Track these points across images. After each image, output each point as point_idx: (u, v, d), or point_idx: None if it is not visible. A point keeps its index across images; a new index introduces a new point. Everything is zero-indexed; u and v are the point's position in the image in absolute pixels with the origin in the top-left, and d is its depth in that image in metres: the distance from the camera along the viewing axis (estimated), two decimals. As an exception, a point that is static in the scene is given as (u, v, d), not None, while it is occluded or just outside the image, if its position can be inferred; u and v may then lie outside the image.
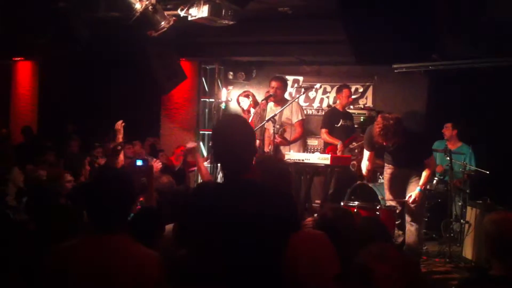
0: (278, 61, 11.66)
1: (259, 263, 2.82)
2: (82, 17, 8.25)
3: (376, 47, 6.24)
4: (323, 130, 9.11)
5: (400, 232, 7.31)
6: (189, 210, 3.12)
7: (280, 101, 8.44)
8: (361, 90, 10.95)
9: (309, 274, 3.25)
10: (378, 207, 7.20)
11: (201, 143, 12.04)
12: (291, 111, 8.41)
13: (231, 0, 7.75)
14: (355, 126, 9.57)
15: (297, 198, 7.65)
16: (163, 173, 7.29)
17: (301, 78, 11.40)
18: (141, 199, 6.00)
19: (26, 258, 3.88)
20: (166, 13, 7.92)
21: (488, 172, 8.55)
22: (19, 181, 5.61)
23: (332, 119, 9.17)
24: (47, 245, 3.28)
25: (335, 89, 10.15)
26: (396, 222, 7.25)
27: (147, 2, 7.57)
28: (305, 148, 9.61)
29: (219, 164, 10.58)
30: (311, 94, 11.27)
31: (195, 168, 9.78)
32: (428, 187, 7.93)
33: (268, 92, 8.96)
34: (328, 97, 11.21)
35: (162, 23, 7.81)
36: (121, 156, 6.60)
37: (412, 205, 7.05)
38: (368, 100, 10.92)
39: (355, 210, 6.98)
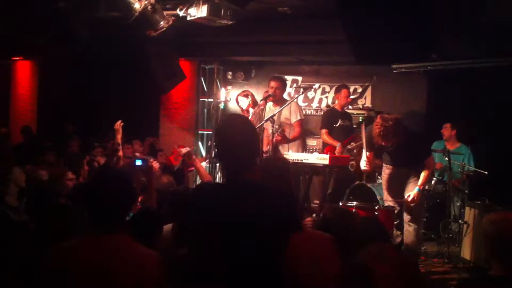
0: (277, 61, 11.66)
1: (259, 263, 2.82)
2: (82, 17, 8.24)
3: (375, 47, 6.24)
4: (323, 131, 9.10)
5: (399, 233, 7.31)
6: (189, 210, 3.12)
7: (279, 101, 8.43)
8: (360, 90, 10.96)
9: (309, 274, 3.26)
10: (376, 207, 7.21)
11: (199, 143, 12.05)
12: (290, 111, 8.41)
13: (231, 0, 7.75)
14: (354, 126, 9.57)
15: (296, 198, 7.65)
16: (162, 173, 7.30)
17: (300, 78, 11.41)
18: (141, 198, 6.01)
19: (26, 258, 3.87)
20: (165, 13, 7.91)
21: (486, 173, 8.55)
22: (21, 181, 5.61)
23: (331, 119, 9.16)
24: (47, 245, 3.28)
25: (333, 89, 10.15)
26: (395, 222, 7.26)
27: (146, 2, 7.56)
28: (304, 148, 9.61)
29: (217, 164, 10.71)
30: (310, 94, 11.27)
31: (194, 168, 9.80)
32: (426, 187, 7.94)
33: (267, 92, 8.96)
34: (327, 97, 11.21)
35: (161, 23, 7.81)
36: (121, 154, 6.60)
37: (411, 205, 7.06)
38: (367, 100, 10.92)
39: (354, 210, 6.99)
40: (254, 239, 2.81)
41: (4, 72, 13.74)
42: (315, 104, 11.34)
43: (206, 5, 7.61)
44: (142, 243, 3.11)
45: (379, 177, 8.42)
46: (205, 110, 12.20)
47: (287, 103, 8.24)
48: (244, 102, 9.64)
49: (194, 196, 3.26)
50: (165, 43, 9.69)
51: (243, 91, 10.02)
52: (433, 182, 8.55)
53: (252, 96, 9.68)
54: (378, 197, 8.06)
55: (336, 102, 9.43)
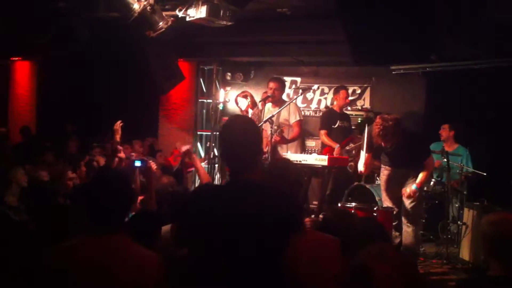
0: (276, 62, 11.67)
1: (259, 263, 2.82)
2: (82, 17, 8.24)
3: (375, 47, 6.24)
4: (322, 132, 9.09)
5: (397, 233, 7.32)
6: (189, 210, 3.12)
7: (278, 102, 8.44)
8: (358, 91, 10.97)
9: (310, 274, 3.26)
10: (375, 208, 7.22)
11: (198, 144, 12.05)
12: (289, 112, 8.41)
13: (230, 0, 7.75)
14: (353, 127, 9.57)
15: (302, 201, 7.65)
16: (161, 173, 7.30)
17: (299, 79, 11.42)
18: (141, 199, 6.01)
19: (26, 258, 3.88)
20: (164, 13, 7.92)
21: (485, 174, 8.56)
22: (23, 182, 5.61)
23: (329, 120, 9.15)
24: (47, 245, 3.28)
25: (332, 90, 10.16)
26: (393, 223, 7.27)
27: (145, 3, 7.57)
28: (303, 149, 9.62)
29: (216, 165, 10.72)
30: (309, 95, 11.28)
31: (193, 168, 9.79)
32: (425, 188, 7.94)
33: (265, 93, 8.96)
34: (325, 98, 11.21)
35: (160, 23, 7.81)
36: (123, 156, 6.59)
37: (407, 202, 7.07)
38: (365, 102, 10.92)
39: (353, 211, 6.99)
40: (254, 239, 2.81)
41: (3, 73, 13.74)
42: (314, 105, 11.35)
43: (205, 6, 7.61)
44: (141, 243, 3.12)
45: (377, 178, 8.42)
46: (204, 111, 12.20)
47: (286, 104, 8.24)
48: (243, 103, 9.65)
49: (194, 196, 3.26)
50: (164, 44, 9.68)
51: (242, 92, 10.03)
52: (431, 183, 8.54)
53: (251, 97, 9.68)
54: (376, 198, 8.07)
55: (335, 103, 9.43)
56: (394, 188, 7.33)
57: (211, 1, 7.64)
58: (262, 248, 2.80)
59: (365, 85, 10.92)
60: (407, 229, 7.15)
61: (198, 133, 12.06)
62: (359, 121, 10.02)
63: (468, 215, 7.90)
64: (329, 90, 10.97)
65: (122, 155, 6.56)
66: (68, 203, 6.10)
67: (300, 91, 9.44)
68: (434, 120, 9.64)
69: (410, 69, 9.44)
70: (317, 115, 10.93)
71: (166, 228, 4.57)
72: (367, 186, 8.36)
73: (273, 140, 7.84)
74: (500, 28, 6.51)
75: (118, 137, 6.55)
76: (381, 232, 4.27)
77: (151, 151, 10.92)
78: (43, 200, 5.84)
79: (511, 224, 3.27)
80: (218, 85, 11.80)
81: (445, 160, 8.20)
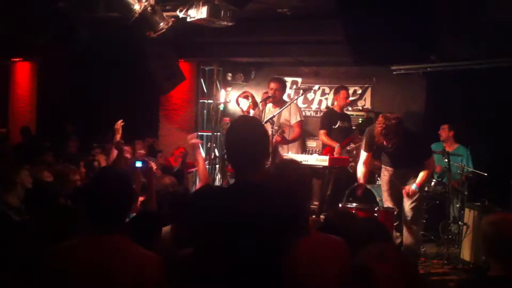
0: (277, 62, 11.67)
1: (259, 263, 2.82)
2: (82, 17, 8.24)
3: (375, 47, 6.23)
4: (322, 132, 9.09)
5: (398, 234, 7.31)
6: (190, 210, 3.12)
7: (279, 102, 8.43)
8: (359, 91, 10.97)
9: (310, 274, 3.25)
10: (376, 209, 7.20)
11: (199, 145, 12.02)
12: (290, 112, 8.41)
13: (230, 1, 7.74)
14: (353, 127, 9.57)
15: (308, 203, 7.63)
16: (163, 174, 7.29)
17: (299, 80, 11.42)
18: (141, 199, 6.00)
19: (26, 258, 3.88)
20: (165, 14, 7.91)
21: (486, 174, 8.55)
22: (28, 183, 5.60)
23: (330, 120, 9.15)
24: (47, 245, 3.28)
25: (333, 90, 10.15)
26: (394, 224, 7.26)
27: (146, 3, 7.56)
28: (304, 150, 9.61)
29: (217, 166, 10.71)
30: (310, 95, 11.28)
31: (194, 169, 9.79)
32: (426, 188, 7.94)
33: (266, 93, 8.95)
34: (326, 98, 11.22)
35: (161, 24, 7.80)
36: (128, 156, 6.58)
37: (408, 202, 7.06)
38: (366, 102, 10.93)
39: (353, 211, 6.98)
40: (254, 239, 2.81)
41: (3, 73, 13.75)
42: (314, 106, 11.35)
43: (206, 6, 7.61)
44: (141, 244, 3.11)
45: (378, 178, 8.42)
46: (205, 111, 12.19)
47: (287, 105, 8.23)
48: (245, 104, 9.63)
49: (195, 197, 3.26)
50: (165, 44, 9.69)
51: (243, 92, 10.01)
52: (432, 183, 8.54)
53: (253, 97, 9.67)
54: (377, 199, 8.07)
55: (335, 103, 9.42)
56: (395, 188, 7.33)
57: (212, 2, 7.63)
58: (262, 248, 2.80)
59: (366, 86, 10.92)
60: (408, 230, 7.14)
61: (199, 133, 12.05)
62: (360, 121, 10.03)
63: (469, 215, 7.90)
64: (330, 90, 10.97)
65: (127, 155, 6.55)
66: (69, 203, 6.09)
67: (301, 91, 9.46)
68: (434, 120, 9.64)
69: (411, 69, 9.44)
70: (318, 115, 10.92)
71: (166, 228, 4.56)
72: (368, 186, 8.35)
73: (274, 140, 7.83)
74: (500, 28, 6.51)
75: (118, 137, 6.54)
76: (382, 232, 4.26)
77: (151, 151, 10.91)
78: (43, 200, 5.84)
79: (511, 224, 3.28)
80: (218, 86, 11.80)
81: (446, 160, 8.19)
